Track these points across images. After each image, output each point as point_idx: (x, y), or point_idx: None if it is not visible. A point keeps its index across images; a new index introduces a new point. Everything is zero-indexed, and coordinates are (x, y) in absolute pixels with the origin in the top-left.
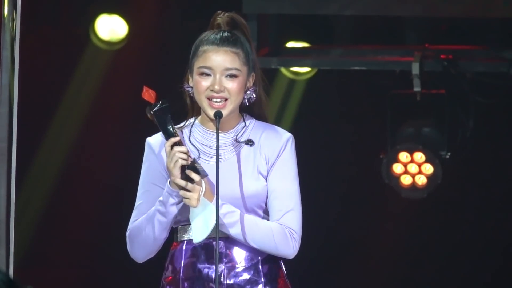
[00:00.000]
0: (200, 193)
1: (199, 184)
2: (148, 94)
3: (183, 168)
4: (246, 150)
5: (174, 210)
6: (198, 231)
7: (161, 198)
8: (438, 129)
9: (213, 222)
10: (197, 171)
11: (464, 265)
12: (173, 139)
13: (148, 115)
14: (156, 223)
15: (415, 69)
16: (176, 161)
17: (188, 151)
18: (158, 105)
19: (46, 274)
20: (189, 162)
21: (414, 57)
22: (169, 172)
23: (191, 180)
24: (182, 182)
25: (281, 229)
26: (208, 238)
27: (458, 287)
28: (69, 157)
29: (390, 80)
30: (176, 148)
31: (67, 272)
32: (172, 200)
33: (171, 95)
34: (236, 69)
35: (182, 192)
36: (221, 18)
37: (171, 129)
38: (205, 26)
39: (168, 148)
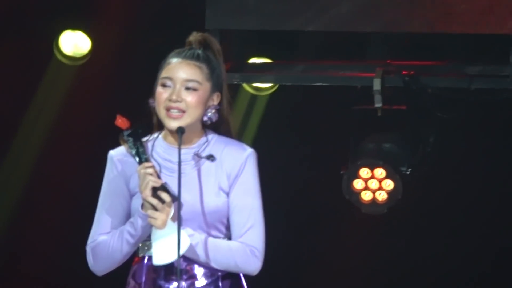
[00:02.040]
0: (169, 215)
1: (169, 206)
2: (121, 121)
3: (154, 189)
4: (207, 166)
5: (143, 232)
6: (160, 254)
7: (131, 220)
8: (399, 144)
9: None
10: (168, 192)
11: (425, 278)
12: (146, 164)
13: (121, 141)
14: (124, 242)
15: (376, 85)
16: (147, 182)
17: (159, 175)
18: (130, 131)
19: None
20: (159, 184)
21: (375, 73)
22: (141, 194)
23: (161, 200)
24: (154, 200)
25: (242, 248)
26: None
27: None
28: (33, 171)
29: (351, 95)
30: (148, 171)
31: (32, 284)
32: (140, 223)
33: (135, 111)
34: (196, 81)
35: (150, 212)
36: (194, 36)
37: (143, 154)
38: (168, 42)
39: (141, 170)
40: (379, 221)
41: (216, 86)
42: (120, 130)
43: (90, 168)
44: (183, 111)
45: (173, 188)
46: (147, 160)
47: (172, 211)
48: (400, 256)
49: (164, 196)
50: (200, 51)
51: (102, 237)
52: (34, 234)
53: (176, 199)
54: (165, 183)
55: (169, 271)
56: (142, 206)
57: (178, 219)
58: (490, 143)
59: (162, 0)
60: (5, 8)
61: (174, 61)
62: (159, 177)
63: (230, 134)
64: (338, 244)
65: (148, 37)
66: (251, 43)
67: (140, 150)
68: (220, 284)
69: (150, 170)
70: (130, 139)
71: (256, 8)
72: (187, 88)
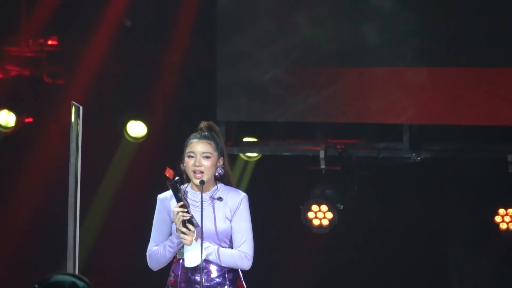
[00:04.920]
0: (193, 237)
1: (193, 232)
2: (169, 172)
3: (183, 221)
4: (218, 204)
5: (178, 245)
6: (190, 260)
7: (170, 238)
8: (336, 191)
9: (200, 256)
10: (192, 224)
11: (355, 276)
12: (179, 204)
13: (168, 185)
14: (167, 251)
15: (322, 154)
16: (179, 218)
17: (188, 210)
18: (173, 181)
19: (96, 280)
20: (188, 218)
21: (321, 147)
22: (175, 223)
23: (188, 229)
24: (184, 229)
25: (240, 254)
26: None
27: None
28: (109, 208)
29: (306, 161)
30: (181, 210)
31: (109, 277)
32: (176, 240)
33: (175, 170)
34: (209, 152)
35: (182, 236)
36: (203, 124)
37: (180, 196)
38: (193, 128)
39: (176, 209)
40: (324, 238)
41: (221, 154)
42: (166, 178)
43: (146, 207)
44: (202, 172)
45: (197, 217)
46: (182, 200)
47: (195, 234)
48: (339, 262)
49: (190, 226)
50: (208, 133)
51: (154, 248)
52: (111, 246)
53: (198, 226)
54: (192, 216)
55: (195, 268)
56: (176, 230)
57: (201, 238)
58: (392, 191)
59: (190, 102)
60: (93, 105)
61: (194, 140)
62: (188, 212)
63: (230, 184)
64: (297, 252)
65: (180, 125)
66: (244, 129)
67: (178, 194)
68: (226, 275)
69: (182, 208)
70: (172, 186)
71: (247, 107)
72: (204, 157)
